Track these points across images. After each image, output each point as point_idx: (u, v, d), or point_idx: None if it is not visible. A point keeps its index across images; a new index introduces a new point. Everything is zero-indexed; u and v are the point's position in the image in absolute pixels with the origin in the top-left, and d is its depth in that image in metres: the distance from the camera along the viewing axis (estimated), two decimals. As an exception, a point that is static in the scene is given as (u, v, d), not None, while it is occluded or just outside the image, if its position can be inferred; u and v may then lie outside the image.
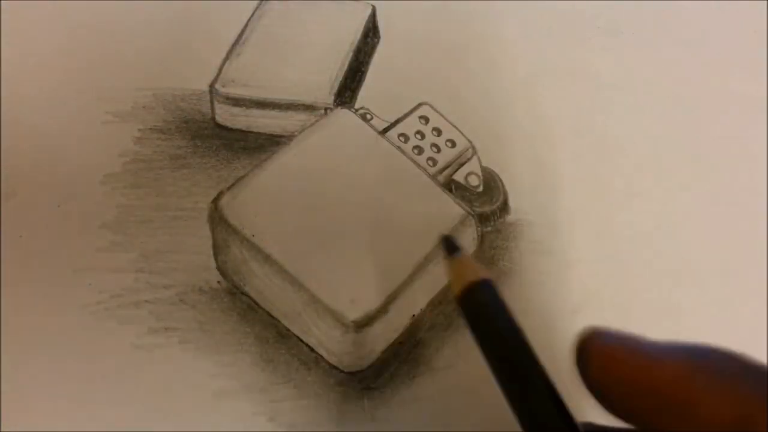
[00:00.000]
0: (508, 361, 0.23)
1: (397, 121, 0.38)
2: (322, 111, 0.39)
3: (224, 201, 0.33)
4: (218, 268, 0.35)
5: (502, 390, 0.22)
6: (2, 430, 0.31)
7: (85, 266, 0.34)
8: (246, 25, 0.41)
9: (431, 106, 0.38)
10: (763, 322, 0.35)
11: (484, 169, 0.38)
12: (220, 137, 0.39)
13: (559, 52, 0.44)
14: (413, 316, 0.34)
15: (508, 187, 0.38)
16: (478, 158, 0.38)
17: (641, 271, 0.36)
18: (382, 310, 0.31)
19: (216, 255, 0.35)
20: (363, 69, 0.42)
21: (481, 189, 0.37)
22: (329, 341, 0.32)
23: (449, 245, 0.28)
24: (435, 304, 0.34)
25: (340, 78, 0.40)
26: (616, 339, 0.21)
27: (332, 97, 0.39)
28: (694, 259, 0.37)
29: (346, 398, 0.32)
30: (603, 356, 0.21)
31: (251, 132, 0.39)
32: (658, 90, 0.43)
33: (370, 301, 0.31)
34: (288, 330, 0.33)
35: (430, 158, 0.37)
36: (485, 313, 0.24)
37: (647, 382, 0.20)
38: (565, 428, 0.21)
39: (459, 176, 0.37)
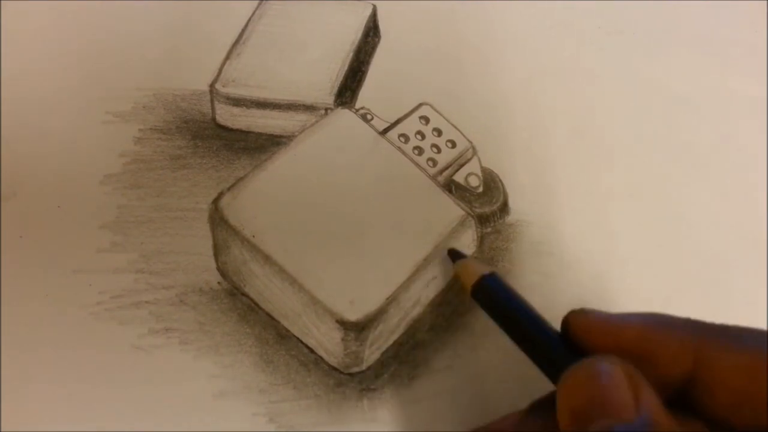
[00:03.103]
0: (524, 326, 0.27)
1: (397, 122, 0.37)
2: (323, 111, 0.39)
3: (224, 201, 0.33)
4: (218, 268, 0.35)
5: (524, 350, 0.27)
6: (2, 430, 0.31)
7: (85, 266, 0.35)
8: (246, 25, 0.41)
9: (432, 107, 0.38)
10: (764, 322, 0.35)
11: (484, 170, 0.38)
12: (220, 137, 0.39)
13: (559, 52, 0.44)
14: (412, 317, 0.34)
15: (508, 188, 0.38)
16: (479, 159, 0.38)
17: (641, 272, 0.37)
18: (382, 311, 0.31)
19: (216, 256, 0.35)
20: (363, 69, 0.42)
21: (481, 190, 0.37)
22: (329, 342, 0.32)
23: (454, 253, 0.32)
24: (434, 305, 0.34)
25: (341, 78, 0.40)
26: (592, 314, 0.26)
27: (332, 97, 0.39)
28: (694, 260, 0.37)
29: (345, 399, 0.32)
30: (580, 327, 0.26)
31: (251, 132, 0.39)
32: (658, 90, 0.43)
33: (369, 303, 0.31)
34: (288, 331, 0.33)
35: (430, 159, 0.37)
36: (497, 297, 0.29)
37: (615, 343, 0.25)
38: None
39: (459, 177, 0.37)
